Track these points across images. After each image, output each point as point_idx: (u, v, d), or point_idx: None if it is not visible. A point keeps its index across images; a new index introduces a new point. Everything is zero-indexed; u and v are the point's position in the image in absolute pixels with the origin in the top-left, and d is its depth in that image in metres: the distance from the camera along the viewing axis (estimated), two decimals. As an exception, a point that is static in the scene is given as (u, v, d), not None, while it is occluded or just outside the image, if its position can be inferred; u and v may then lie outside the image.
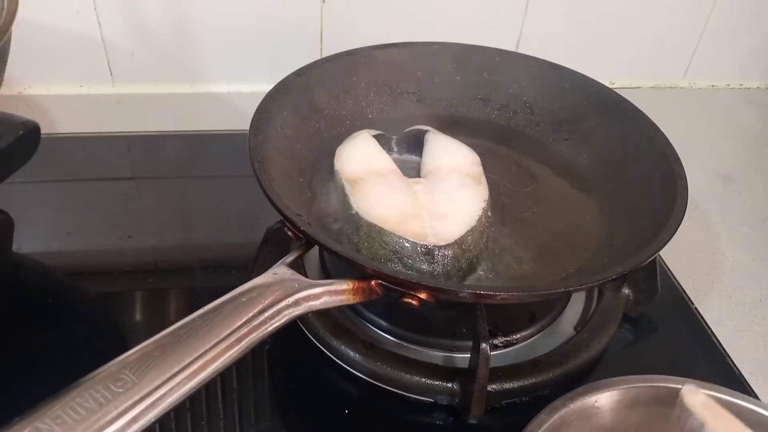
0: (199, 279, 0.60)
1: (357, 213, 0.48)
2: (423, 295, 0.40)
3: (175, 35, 0.81)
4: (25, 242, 0.61)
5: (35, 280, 0.60)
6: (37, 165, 0.71)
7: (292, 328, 0.52)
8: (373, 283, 0.40)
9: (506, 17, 0.84)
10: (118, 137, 0.77)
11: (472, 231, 0.48)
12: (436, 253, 0.46)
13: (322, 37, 0.83)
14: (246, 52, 0.83)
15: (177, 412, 0.47)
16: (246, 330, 0.34)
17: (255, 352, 0.51)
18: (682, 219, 0.46)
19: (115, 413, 0.28)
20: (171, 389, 0.30)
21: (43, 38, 0.78)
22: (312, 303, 0.38)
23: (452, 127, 0.62)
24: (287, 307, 0.36)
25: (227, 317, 0.34)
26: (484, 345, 0.44)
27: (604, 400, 0.45)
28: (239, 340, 0.33)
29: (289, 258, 0.40)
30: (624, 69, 0.92)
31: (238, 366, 0.50)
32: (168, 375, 0.30)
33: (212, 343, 0.32)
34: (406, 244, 0.46)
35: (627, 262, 0.43)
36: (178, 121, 0.79)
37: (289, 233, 0.44)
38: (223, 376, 0.49)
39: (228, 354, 0.32)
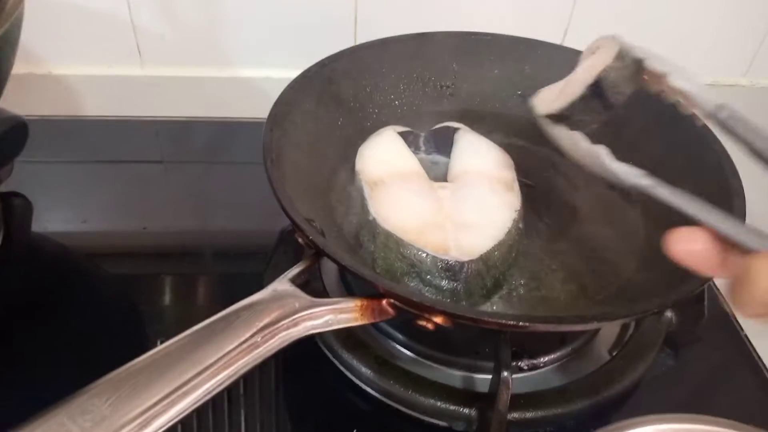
0: (218, 266, 0.59)
1: (374, 219, 0.45)
2: (438, 320, 0.36)
3: (205, 18, 0.79)
4: (46, 223, 0.60)
5: (53, 262, 0.59)
6: (62, 146, 0.72)
7: (303, 338, 0.49)
8: (384, 302, 0.36)
9: (553, 8, 0.78)
10: (146, 121, 0.75)
11: (499, 245, 0.44)
12: (458, 269, 0.42)
13: (356, 24, 0.79)
14: (277, 37, 0.80)
15: (184, 424, 0.45)
16: (236, 354, 0.31)
17: (264, 362, 0.48)
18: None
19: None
20: (147, 422, 0.27)
21: (73, 18, 0.77)
22: (313, 323, 0.34)
23: (488, 125, 0.58)
24: (285, 328, 0.33)
25: (217, 340, 0.31)
26: (505, 374, 0.40)
27: (639, 438, 0.41)
28: (228, 366, 0.30)
29: (294, 271, 0.37)
30: (682, 65, 0.85)
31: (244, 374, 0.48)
32: (145, 406, 0.27)
33: (198, 370, 0.29)
34: (426, 258, 0.43)
35: (671, 292, 0.39)
36: (207, 106, 0.77)
37: (300, 240, 0.40)
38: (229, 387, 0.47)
39: (215, 382, 0.29)
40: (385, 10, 0.77)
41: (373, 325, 0.50)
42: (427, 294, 0.42)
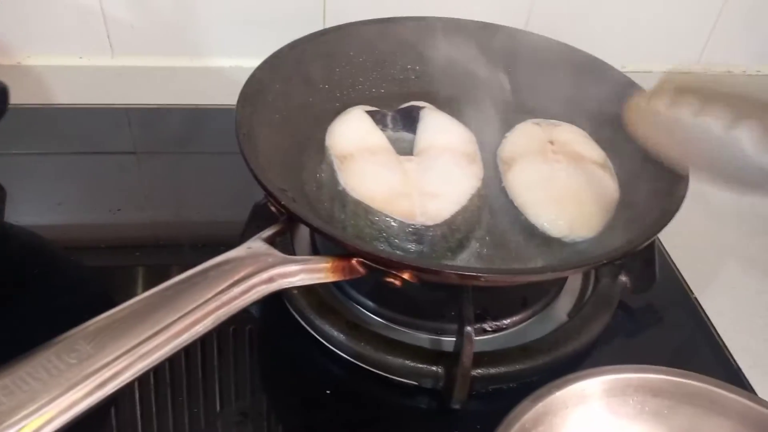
0: (189, 255, 0.59)
1: (344, 189, 0.47)
2: (405, 275, 0.39)
3: (175, 7, 0.79)
4: (18, 214, 0.61)
5: (26, 251, 0.60)
6: (34, 136, 0.72)
7: (275, 304, 0.52)
8: (353, 261, 0.39)
9: (516, -6, 0.81)
10: (117, 110, 0.76)
11: (463, 210, 0.47)
12: (424, 233, 0.45)
13: (324, 14, 0.81)
14: (247, 26, 0.81)
15: (158, 388, 0.47)
16: (214, 304, 0.33)
17: (237, 328, 0.50)
18: (679, 206, 0.44)
19: (66, 385, 0.27)
20: (129, 364, 0.29)
21: (43, 8, 0.77)
22: (287, 280, 0.37)
23: (453, 105, 0.60)
24: (260, 282, 0.35)
25: (195, 290, 0.33)
26: (468, 328, 0.43)
27: (591, 388, 0.44)
28: (207, 315, 0.32)
29: (267, 232, 0.39)
30: (636, 52, 0.89)
31: (219, 341, 0.50)
32: (126, 348, 0.29)
33: (177, 317, 0.31)
34: (393, 223, 0.45)
35: (619, 247, 0.42)
36: (178, 95, 0.78)
37: (273, 208, 0.42)
38: (204, 351, 0.49)
39: (194, 329, 0.31)
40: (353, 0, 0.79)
41: (344, 293, 0.53)
42: (394, 255, 0.45)
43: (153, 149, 0.74)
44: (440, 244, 0.46)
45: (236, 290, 0.34)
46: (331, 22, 0.79)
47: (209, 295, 0.32)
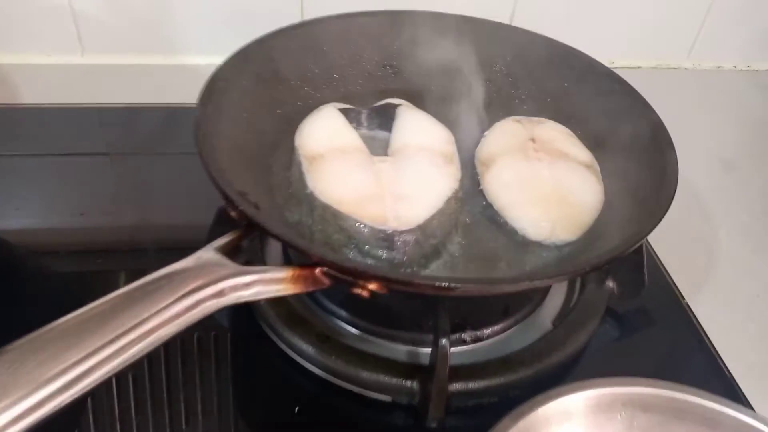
0: (154, 260, 0.56)
1: (312, 193, 0.44)
2: (373, 286, 0.36)
3: (148, 3, 0.76)
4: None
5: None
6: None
7: (243, 314, 0.49)
8: (317, 271, 0.36)
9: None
10: (88, 109, 0.72)
11: (439, 214, 0.44)
12: (396, 238, 0.42)
13: (302, 7, 0.78)
14: (222, 23, 0.78)
15: (120, 399, 0.44)
16: (154, 323, 0.29)
17: (202, 338, 0.47)
18: (667, 208, 0.42)
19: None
20: (50, 395, 0.25)
21: (9, 4, 0.74)
22: (240, 293, 0.33)
23: (431, 103, 0.58)
24: (208, 297, 0.32)
25: (132, 308, 0.29)
26: (443, 341, 0.40)
27: (576, 404, 0.41)
28: (145, 335, 0.29)
29: (221, 241, 0.36)
30: (624, 48, 0.87)
31: (183, 353, 0.47)
32: (47, 376, 0.26)
33: (110, 338, 0.28)
34: (364, 229, 0.42)
35: (602, 254, 0.39)
36: (151, 94, 0.75)
37: (233, 214, 0.39)
38: (168, 363, 0.46)
39: (129, 352, 0.28)
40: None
41: (316, 302, 0.50)
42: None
43: (125, 150, 0.71)
44: (414, 251, 0.43)
45: (179, 306, 0.31)
46: (309, 16, 0.76)
47: (147, 314, 0.29)
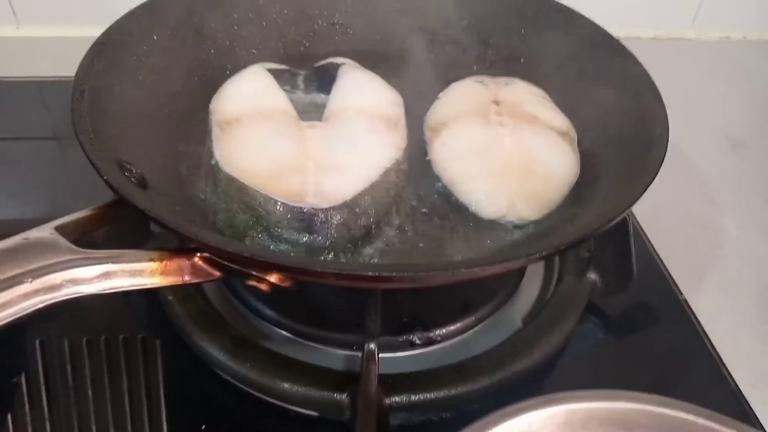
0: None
1: (217, 163, 0.36)
2: (272, 277, 0.28)
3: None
4: None
5: None
6: None
7: (150, 311, 0.42)
8: (196, 258, 0.28)
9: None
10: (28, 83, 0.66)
11: (372, 189, 0.36)
12: (315, 218, 0.34)
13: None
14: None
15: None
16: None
17: (109, 339, 0.40)
18: (654, 174, 0.34)
19: None
20: None
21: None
22: (81, 288, 0.25)
23: (385, 66, 0.49)
24: (33, 292, 0.24)
25: None
26: (371, 346, 0.32)
27: (541, 422, 0.33)
28: None
29: (66, 219, 0.28)
30: (620, 16, 0.78)
31: (75, 358, 0.40)
32: None
33: None
34: (277, 207, 0.34)
35: (571, 231, 0.31)
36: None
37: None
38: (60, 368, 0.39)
39: None
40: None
41: (238, 297, 0.42)
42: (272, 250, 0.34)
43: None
44: (340, 234, 0.35)
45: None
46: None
47: None
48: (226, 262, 0.28)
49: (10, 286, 0.24)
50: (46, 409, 0.38)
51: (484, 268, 0.27)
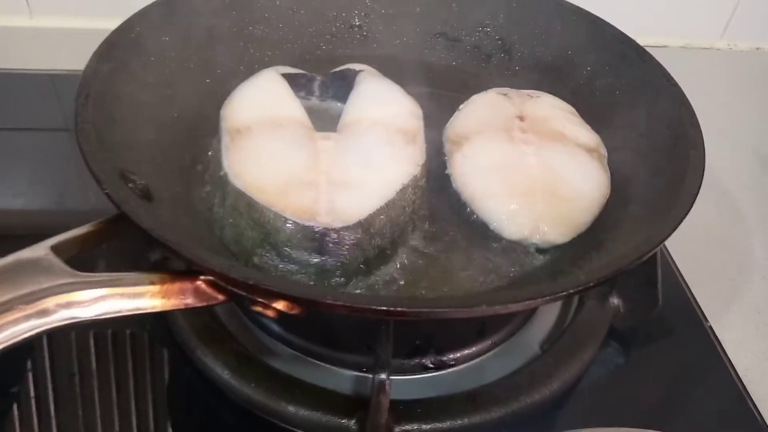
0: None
1: (226, 175, 0.34)
2: (280, 305, 0.26)
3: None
4: None
5: None
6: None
7: (156, 326, 0.41)
8: (199, 281, 0.26)
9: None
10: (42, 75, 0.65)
11: (388, 207, 0.34)
12: (327, 239, 0.32)
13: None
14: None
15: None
16: None
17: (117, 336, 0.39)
18: (689, 207, 0.33)
19: None
20: None
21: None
22: (77, 313, 0.24)
23: (404, 73, 0.48)
24: (23, 319, 0.23)
25: None
26: (383, 376, 0.30)
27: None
28: None
29: (63, 237, 0.26)
30: (649, 24, 0.77)
31: (82, 372, 0.38)
32: None
33: None
34: (287, 224, 0.32)
35: (603, 265, 0.29)
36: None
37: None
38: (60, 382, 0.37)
39: None
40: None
41: (246, 313, 0.41)
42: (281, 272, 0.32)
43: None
44: (353, 255, 0.33)
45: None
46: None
47: None
48: (228, 287, 0.26)
49: (1, 313, 0.22)
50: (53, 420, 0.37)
51: (507, 306, 0.25)
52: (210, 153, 0.40)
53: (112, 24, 0.73)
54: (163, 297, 0.26)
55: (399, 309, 0.25)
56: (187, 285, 0.26)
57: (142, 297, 0.25)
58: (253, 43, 0.48)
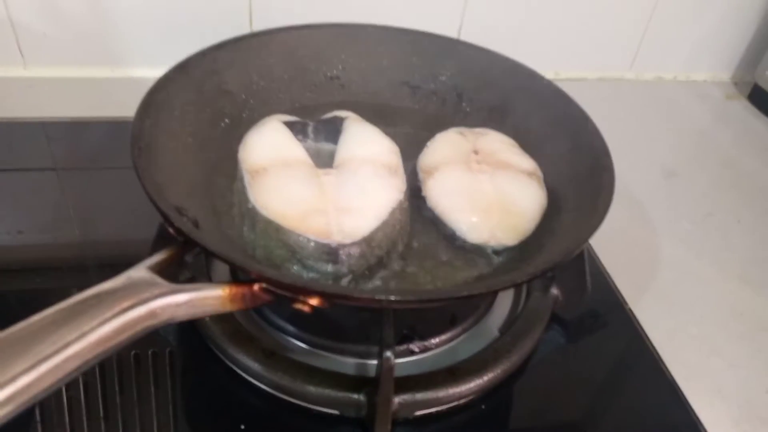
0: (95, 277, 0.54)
1: (254, 207, 0.43)
2: (314, 301, 0.35)
3: (91, 14, 0.74)
4: None
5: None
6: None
7: (188, 330, 0.48)
8: (255, 287, 0.35)
9: (447, 3, 0.80)
10: (34, 123, 0.70)
11: (383, 226, 0.44)
12: (341, 252, 0.42)
13: (251, 18, 0.78)
14: (170, 34, 0.77)
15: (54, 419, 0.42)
16: (78, 347, 0.28)
17: (140, 357, 0.46)
18: (604, 215, 0.43)
19: None
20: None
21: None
22: (173, 313, 0.33)
23: (377, 115, 0.57)
24: (138, 319, 0.31)
25: (52, 333, 0.28)
26: (388, 353, 0.40)
27: None
28: (67, 361, 0.28)
29: (154, 259, 0.35)
30: (569, 59, 0.89)
31: (121, 372, 0.46)
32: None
33: (24, 367, 0.26)
34: (308, 243, 0.42)
35: (540, 262, 0.40)
36: (98, 108, 0.73)
37: (170, 230, 0.38)
38: (104, 382, 0.45)
39: (46, 381, 0.27)
40: (281, 6, 0.76)
41: (263, 317, 0.49)
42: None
43: (71, 165, 0.68)
44: (359, 263, 0.43)
45: (106, 329, 0.30)
46: (259, 27, 0.76)
47: (70, 338, 0.28)
48: (279, 290, 0.36)
49: (123, 315, 0.31)
50: (84, 421, 0.43)
51: (481, 291, 0.36)
52: (234, 187, 0.49)
53: (101, 73, 0.80)
54: (230, 301, 0.35)
55: (406, 298, 0.35)
56: (247, 291, 0.35)
57: (216, 301, 0.34)
58: (253, 95, 0.56)
